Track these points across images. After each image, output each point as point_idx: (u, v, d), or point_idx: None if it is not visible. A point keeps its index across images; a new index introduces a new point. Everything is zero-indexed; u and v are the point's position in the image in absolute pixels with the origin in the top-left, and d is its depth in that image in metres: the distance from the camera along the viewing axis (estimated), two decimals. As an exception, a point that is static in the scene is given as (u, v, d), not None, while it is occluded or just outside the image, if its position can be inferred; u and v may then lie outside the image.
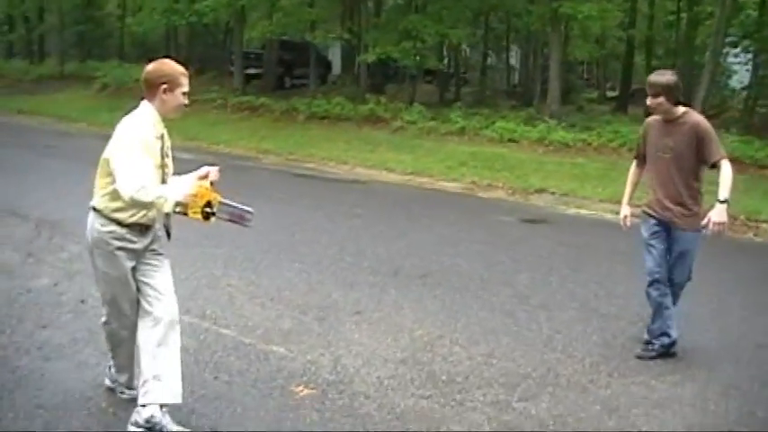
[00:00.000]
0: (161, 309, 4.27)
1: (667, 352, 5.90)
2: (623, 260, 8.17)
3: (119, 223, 4.15)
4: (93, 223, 4.19)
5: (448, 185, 15.05)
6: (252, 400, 4.72)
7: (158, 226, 4.42)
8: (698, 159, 5.73)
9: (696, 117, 5.76)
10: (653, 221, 5.93)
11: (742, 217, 12.37)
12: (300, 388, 4.92)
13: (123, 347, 4.52)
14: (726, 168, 5.62)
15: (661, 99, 5.66)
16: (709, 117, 19.83)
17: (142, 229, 4.26)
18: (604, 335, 6.32)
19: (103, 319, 4.50)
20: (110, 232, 4.14)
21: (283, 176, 15.26)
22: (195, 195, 4.01)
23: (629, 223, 6.11)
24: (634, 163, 6.31)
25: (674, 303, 6.02)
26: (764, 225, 12.11)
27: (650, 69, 31.42)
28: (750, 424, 4.85)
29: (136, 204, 3.99)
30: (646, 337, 6.06)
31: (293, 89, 30.06)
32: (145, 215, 4.22)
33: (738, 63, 28.78)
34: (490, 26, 33.10)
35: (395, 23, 24.95)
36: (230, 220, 4.32)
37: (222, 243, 8.50)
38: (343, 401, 4.77)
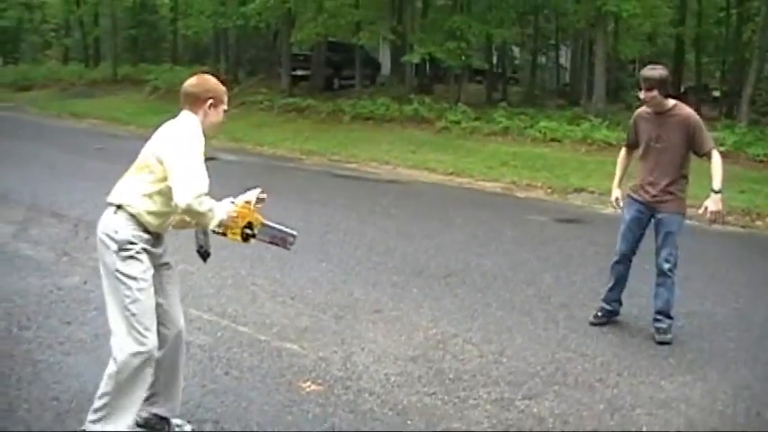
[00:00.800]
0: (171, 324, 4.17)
1: (614, 318, 6.60)
2: (651, 259, 8.09)
3: (145, 229, 3.98)
4: (119, 224, 3.97)
5: (487, 185, 15.08)
6: (258, 395, 4.83)
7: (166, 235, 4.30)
8: (688, 149, 6.12)
9: (687, 110, 6.23)
10: (637, 206, 6.36)
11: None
12: (308, 384, 5.02)
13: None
14: (717, 158, 6.02)
15: (654, 92, 6.06)
16: (758, 114, 19.74)
17: (160, 237, 4.15)
18: (622, 334, 6.33)
19: None
20: (137, 235, 3.94)
21: (323, 177, 15.40)
22: (237, 216, 4.03)
23: (621, 204, 6.60)
24: (624, 150, 6.81)
25: (670, 289, 6.28)
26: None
27: (699, 66, 31.20)
28: (755, 425, 4.83)
29: (187, 212, 3.79)
30: (603, 305, 6.61)
31: (341, 90, 30.24)
32: (169, 224, 4.12)
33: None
34: (538, 26, 32.93)
35: (440, 23, 25.02)
36: (271, 242, 4.29)
37: (250, 245, 8.63)
38: (348, 397, 4.85)
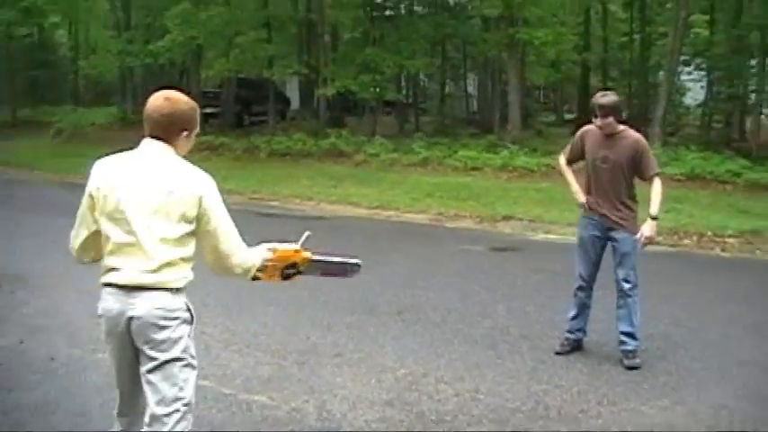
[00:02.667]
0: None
1: (578, 347, 6.55)
2: (598, 285, 8.09)
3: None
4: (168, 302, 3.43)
5: (415, 217, 14.98)
6: (238, 454, 4.59)
7: None
8: (634, 171, 6.23)
9: (635, 134, 6.27)
10: (592, 225, 6.42)
11: (709, 233, 12.50)
12: (287, 437, 4.80)
13: None
14: (657, 185, 6.18)
15: (610, 119, 6.11)
16: (667, 135, 20.26)
17: None
18: (589, 362, 6.27)
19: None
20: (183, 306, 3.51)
21: (248, 216, 14.99)
22: (275, 260, 3.79)
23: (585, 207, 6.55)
24: (564, 160, 6.83)
25: (633, 309, 6.30)
26: (731, 240, 12.19)
27: (606, 91, 31.86)
28: (742, 445, 4.82)
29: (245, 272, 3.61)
30: (567, 335, 6.60)
31: (252, 126, 30.01)
32: None
33: (692, 81, 29.23)
34: (447, 55, 33.28)
35: (352, 56, 25.05)
36: (325, 274, 4.17)
37: (193, 291, 8.33)
38: (332, 449, 4.65)
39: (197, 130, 3.65)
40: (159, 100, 3.50)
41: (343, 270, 4.22)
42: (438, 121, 31.19)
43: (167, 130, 3.46)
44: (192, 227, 3.43)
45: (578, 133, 6.60)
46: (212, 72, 26.71)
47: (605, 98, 6.19)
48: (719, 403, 5.41)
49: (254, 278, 3.76)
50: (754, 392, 5.66)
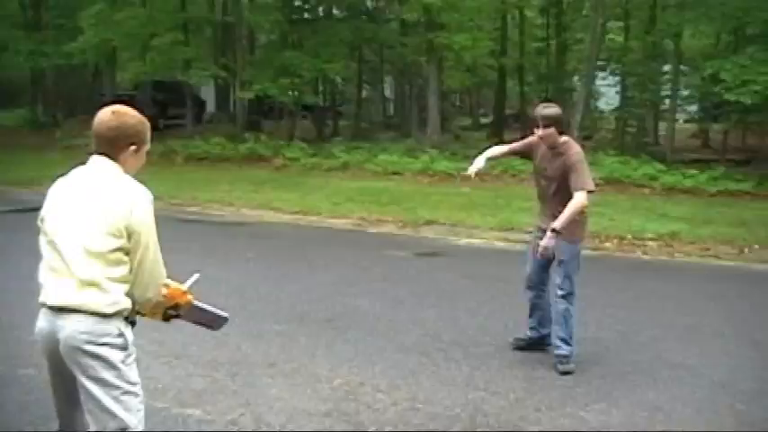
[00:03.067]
0: None
1: (538, 344, 6.67)
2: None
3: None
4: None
5: (337, 222, 14.88)
6: (175, 471, 4.45)
7: None
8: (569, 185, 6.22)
9: (572, 148, 6.23)
10: (539, 232, 6.40)
11: (629, 236, 12.71)
12: (225, 452, 4.68)
13: None
14: (574, 200, 6.03)
15: (551, 130, 6.13)
16: (583, 139, 20.62)
17: None
18: (523, 367, 6.28)
19: None
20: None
21: (169, 222, 14.66)
22: (165, 299, 3.64)
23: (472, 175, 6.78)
24: (507, 147, 6.96)
25: (565, 316, 6.35)
26: (651, 243, 12.42)
27: (523, 95, 32.50)
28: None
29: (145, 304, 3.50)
30: (527, 331, 6.75)
31: (168, 130, 29.51)
32: None
33: (606, 86, 29.88)
34: (364, 59, 33.31)
35: (271, 60, 24.87)
36: (196, 323, 4.02)
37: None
38: (273, 463, 4.55)
39: (147, 146, 3.56)
40: (106, 114, 3.42)
41: (213, 321, 4.09)
42: (355, 126, 31.23)
43: (113, 144, 3.39)
44: (121, 242, 3.29)
45: (534, 138, 6.49)
46: (128, 75, 26.18)
47: (547, 109, 6.25)
48: (654, 406, 5.48)
49: (141, 314, 3.59)
50: (687, 395, 5.74)
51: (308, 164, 20.97)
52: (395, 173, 19.74)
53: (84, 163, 3.47)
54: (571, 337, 6.28)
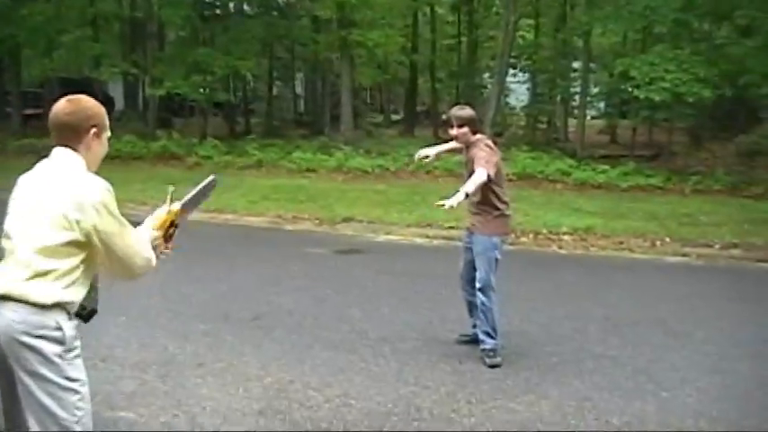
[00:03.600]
0: None
1: (475, 341, 6.64)
2: (445, 283, 8.22)
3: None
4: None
5: (254, 220, 14.78)
6: (110, 475, 4.38)
7: None
8: None
9: (481, 144, 6.39)
10: (466, 231, 6.78)
11: (545, 231, 12.96)
12: (160, 454, 4.62)
13: None
14: (476, 174, 6.05)
15: (465, 129, 6.47)
16: (495, 135, 20.93)
17: None
18: (450, 361, 6.37)
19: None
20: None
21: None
22: (161, 232, 3.61)
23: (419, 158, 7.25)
24: (448, 145, 7.11)
25: (486, 309, 6.47)
26: (566, 237, 12.68)
27: (435, 92, 32.73)
28: (610, 435, 5.02)
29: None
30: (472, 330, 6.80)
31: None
32: None
33: (517, 82, 30.33)
34: (275, 56, 33.10)
35: (182, 56, 24.49)
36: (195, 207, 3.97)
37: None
38: (210, 463, 4.52)
39: (107, 132, 3.48)
40: (61, 103, 3.33)
41: (206, 193, 4.04)
42: (267, 123, 31.03)
43: (72, 130, 3.30)
44: (72, 235, 3.16)
45: None
46: (34, 72, 25.47)
47: (461, 111, 6.57)
48: (582, 396, 5.63)
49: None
50: (612, 384, 5.91)
51: (222, 162, 20.74)
52: (309, 170, 19.69)
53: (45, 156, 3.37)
54: (494, 330, 6.41)
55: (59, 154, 3.31)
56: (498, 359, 6.30)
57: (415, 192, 16.83)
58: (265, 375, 5.96)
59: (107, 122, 3.46)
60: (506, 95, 31.49)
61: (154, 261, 3.50)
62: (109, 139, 3.52)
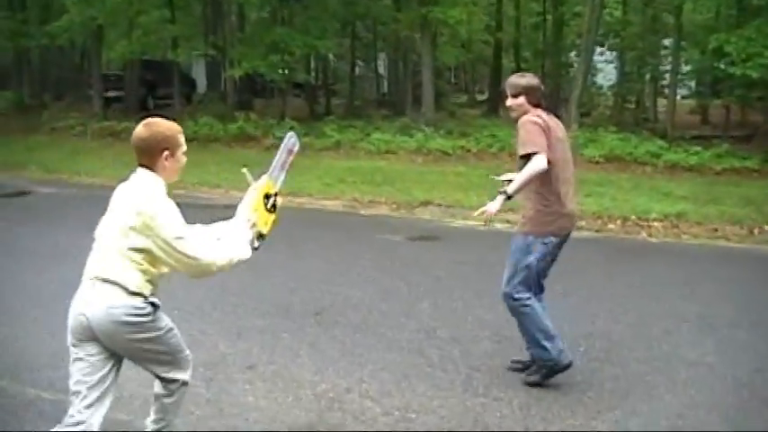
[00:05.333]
0: None
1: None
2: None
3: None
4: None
5: (328, 204, 14.31)
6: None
7: None
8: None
9: (523, 124, 5.24)
10: None
11: (633, 217, 12.14)
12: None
13: None
14: (529, 165, 5.05)
15: (521, 100, 5.36)
16: (581, 116, 20.04)
17: None
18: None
19: None
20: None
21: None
22: (257, 212, 4.04)
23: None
24: None
25: (520, 321, 5.52)
26: (656, 224, 11.85)
27: (519, 71, 31.66)
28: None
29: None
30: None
31: (157, 110, 28.80)
32: None
33: (603, 61, 29.23)
34: (357, 35, 32.58)
35: (261, 37, 24.09)
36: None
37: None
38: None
39: (182, 148, 3.82)
40: (138, 127, 3.77)
41: (291, 151, 4.34)
42: (349, 104, 30.58)
43: (146, 153, 3.70)
44: (142, 240, 3.61)
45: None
46: (114, 54, 25.42)
47: (517, 77, 5.54)
48: (674, 412, 4.95)
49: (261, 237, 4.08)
50: (708, 399, 5.19)
51: (300, 143, 20.32)
52: (388, 152, 19.12)
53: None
54: (534, 341, 5.37)
55: (137, 173, 3.75)
56: (535, 377, 5.40)
57: (497, 174, 16.09)
58: (320, 381, 5.42)
59: (180, 140, 3.82)
60: (593, 75, 30.37)
61: (238, 256, 3.97)
62: (185, 152, 3.87)
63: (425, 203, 13.79)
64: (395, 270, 9.01)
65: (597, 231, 11.57)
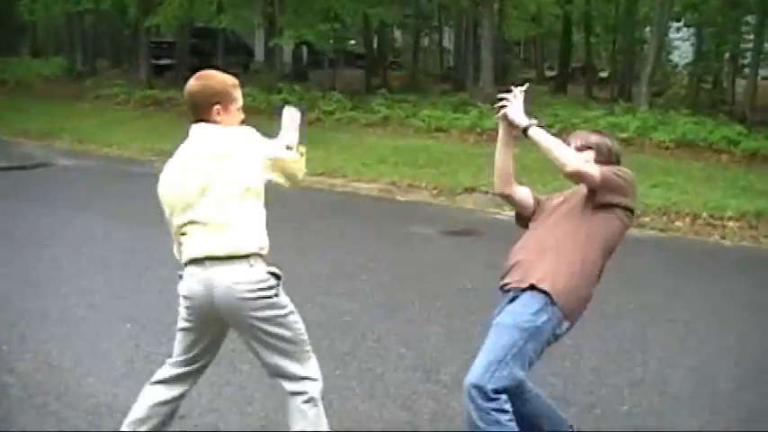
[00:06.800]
0: None
1: None
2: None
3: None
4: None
5: (363, 187, 12.93)
6: None
7: None
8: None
9: None
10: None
11: (705, 214, 10.50)
12: None
13: None
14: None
15: (589, 155, 3.83)
16: (653, 95, 18.25)
17: None
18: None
19: None
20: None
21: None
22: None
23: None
24: None
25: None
26: (731, 223, 10.21)
27: (589, 46, 29.92)
28: None
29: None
30: None
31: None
32: None
33: (679, 39, 27.32)
34: (420, 5, 31.03)
35: (311, 4, 22.68)
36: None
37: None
38: None
39: (237, 103, 3.58)
40: (191, 81, 3.52)
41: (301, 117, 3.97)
42: (409, 77, 29.18)
43: (198, 108, 3.48)
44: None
45: None
46: (158, 19, 24.29)
47: (588, 133, 4.05)
48: None
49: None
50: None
51: (345, 118, 18.96)
52: (439, 129, 17.63)
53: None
54: None
55: (194, 129, 3.49)
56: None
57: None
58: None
59: (234, 94, 3.55)
60: (669, 52, 28.38)
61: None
62: (240, 107, 3.61)
63: (470, 190, 12.37)
64: (413, 276, 7.63)
65: (662, 231, 10.04)
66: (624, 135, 14.92)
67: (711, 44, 24.98)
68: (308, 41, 22.67)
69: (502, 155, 4.06)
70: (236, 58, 30.80)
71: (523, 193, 4.12)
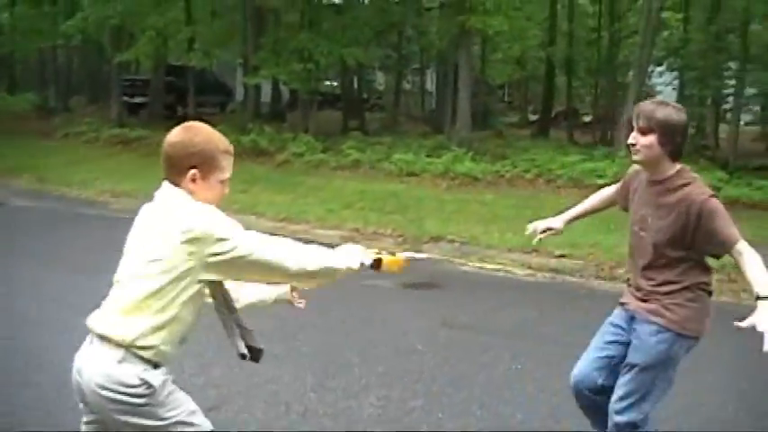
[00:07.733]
0: None
1: None
2: (538, 352, 5.43)
3: None
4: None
5: (325, 234, 12.20)
6: None
7: None
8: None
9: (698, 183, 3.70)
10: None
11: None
12: None
13: None
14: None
15: (652, 139, 3.54)
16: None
17: None
18: None
19: None
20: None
21: (127, 226, 12.31)
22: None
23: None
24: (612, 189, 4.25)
25: None
26: (716, 276, 9.52)
27: (571, 89, 29.60)
28: None
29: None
30: None
31: (185, 119, 27.12)
32: None
33: (662, 83, 27.07)
34: (401, 47, 30.68)
35: (286, 43, 22.16)
36: None
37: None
38: None
39: (221, 174, 2.81)
40: (174, 130, 2.83)
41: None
42: (389, 119, 28.76)
43: (170, 165, 2.77)
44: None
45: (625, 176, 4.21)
46: (127, 56, 23.76)
47: (655, 106, 3.67)
48: None
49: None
50: None
51: (314, 161, 18.32)
52: (411, 174, 17.02)
53: None
54: None
55: (161, 190, 2.81)
56: None
57: (528, 205, 13.86)
58: None
59: (219, 162, 2.80)
60: (651, 96, 28.05)
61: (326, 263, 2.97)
62: (223, 182, 2.85)
63: (436, 239, 11.75)
64: (359, 336, 6.94)
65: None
66: (601, 181, 14.37)
67: (694, 89, 24.70)
68: (282, 81, 22.07)
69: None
70: (214, 98, 30.32)
71: (602, 201, 4.25)
